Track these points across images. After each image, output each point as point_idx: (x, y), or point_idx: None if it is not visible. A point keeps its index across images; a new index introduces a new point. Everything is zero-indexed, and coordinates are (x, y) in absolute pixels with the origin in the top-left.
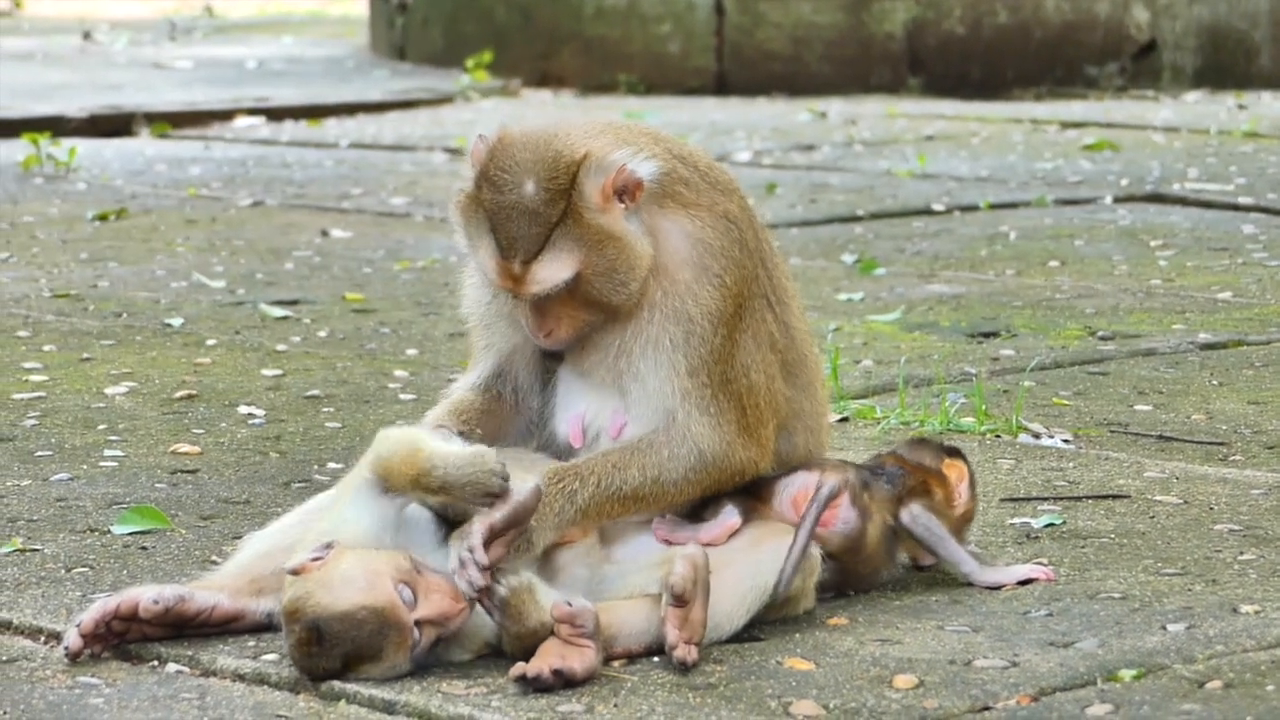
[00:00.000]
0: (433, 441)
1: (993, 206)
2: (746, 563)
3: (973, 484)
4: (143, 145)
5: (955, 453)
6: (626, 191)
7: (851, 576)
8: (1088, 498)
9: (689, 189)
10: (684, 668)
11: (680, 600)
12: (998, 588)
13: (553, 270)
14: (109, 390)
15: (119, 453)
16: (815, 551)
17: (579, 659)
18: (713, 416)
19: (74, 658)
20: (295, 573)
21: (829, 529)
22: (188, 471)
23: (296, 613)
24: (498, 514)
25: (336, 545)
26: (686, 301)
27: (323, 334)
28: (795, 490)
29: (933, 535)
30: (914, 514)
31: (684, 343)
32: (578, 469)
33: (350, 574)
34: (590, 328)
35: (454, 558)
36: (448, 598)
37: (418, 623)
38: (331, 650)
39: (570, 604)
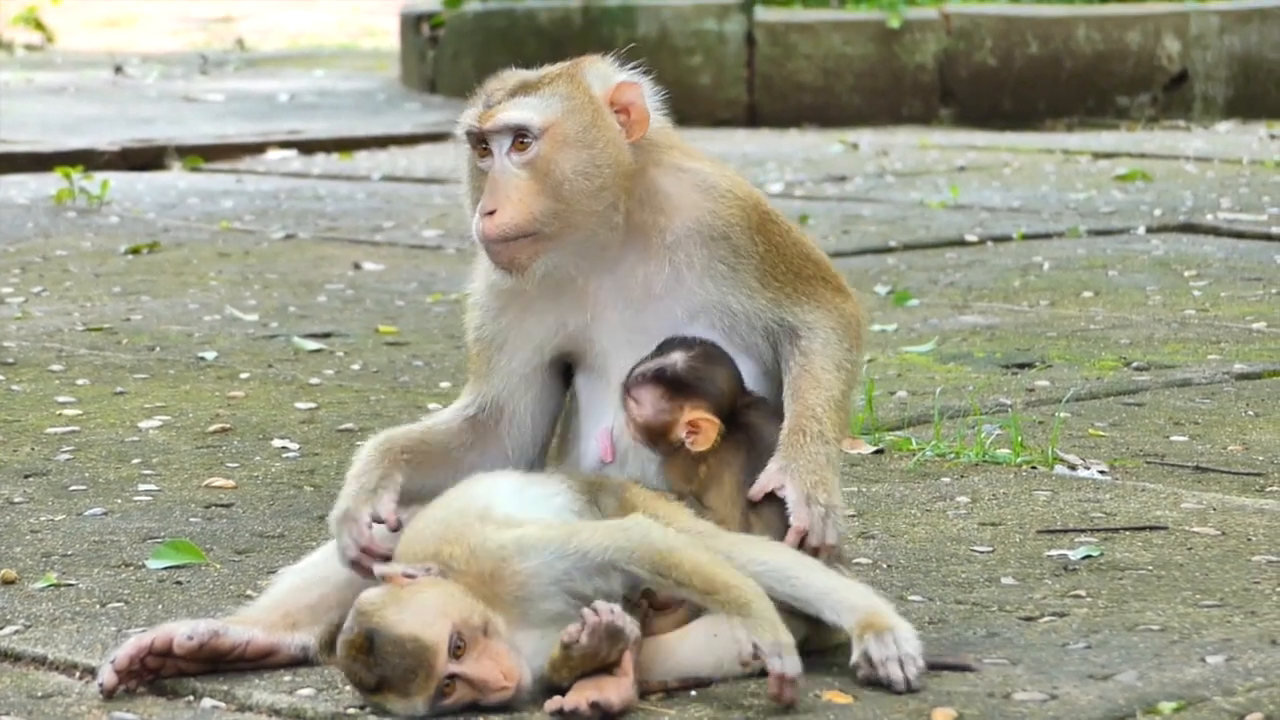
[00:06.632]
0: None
1: (1026, 237)
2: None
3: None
4: (175, 179)
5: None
6: (629, 114)
7: None
8: (1125, 529)
9: (675, 151)
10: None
11: None
12: None
13: (521, 112)
14: (142, 424)
15: (153, 487)
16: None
17: (616, 691)
18: (809, 301)
19: (109, 694)
20: (385, 578)
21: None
22: (222, 505)
23: (364, 615)
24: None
25: (434, 570)
26: (704, 219)
27: (356, 367)
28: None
29: None
30: None
31: (736, 262)
32: (801, 415)
33: (424, 604)
34: (543, 241)
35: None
36: (498, 670)
37: (453, 676)
38: (373, 666)
39: (613, 610)
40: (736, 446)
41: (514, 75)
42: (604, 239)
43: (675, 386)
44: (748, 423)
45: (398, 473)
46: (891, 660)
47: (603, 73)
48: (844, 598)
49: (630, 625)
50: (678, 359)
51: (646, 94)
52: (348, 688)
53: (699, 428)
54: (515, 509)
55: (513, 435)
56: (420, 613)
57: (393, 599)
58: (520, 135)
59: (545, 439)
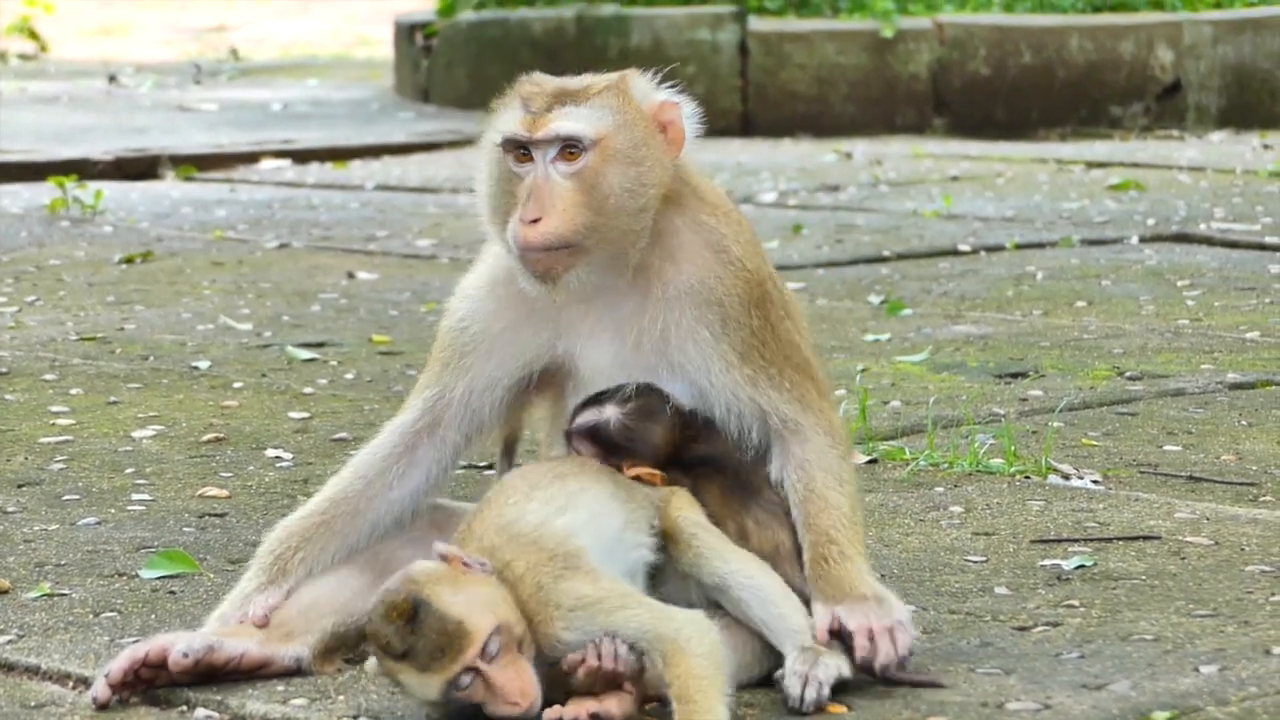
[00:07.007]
0: None
1: (1019, 247)
2: None
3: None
4: (168, 188)
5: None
6: (666, 133)
7: None
8: (1118, 539)
9: (697, 196)
10: None
11: None
12: None
13: (573, 123)
14: (136, 433)
15: (146, 496)
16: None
17: (616, 703)
18: (792, 392)
19: (102, 708)
20: (444, 557)
21: None
22: (216, 515)
23: (416, 584)
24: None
25: (489, 568)
26: (708, 281)
27: (350, 376)
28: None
29: None
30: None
31: (722, 331)
32: (818, 543)
33: (480, 597)
34: (580, 254)
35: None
36: (514, 685)
37: (472, 669)
38: (409, 635)
39: (616, 655)
40: (708, 479)
41: (549, 81)
42: (630, 259)
43: (610, 447)
44: (705, 457)
45: (283, 581)
46: (797, 676)
47: (644, 89)
48: (807, 641)
49: (631, 665)
50: (611, 416)
51: (686, 114)
52: (340, 698)
53: (641, 479)
54: (607, 558)
55: (459, 438)
56: (471, 600)
57: (449, 578)
58: (570, 145)
59: (488, 440)
